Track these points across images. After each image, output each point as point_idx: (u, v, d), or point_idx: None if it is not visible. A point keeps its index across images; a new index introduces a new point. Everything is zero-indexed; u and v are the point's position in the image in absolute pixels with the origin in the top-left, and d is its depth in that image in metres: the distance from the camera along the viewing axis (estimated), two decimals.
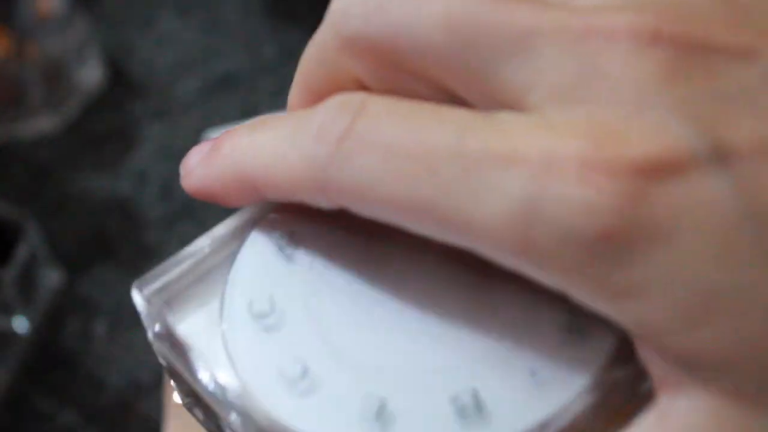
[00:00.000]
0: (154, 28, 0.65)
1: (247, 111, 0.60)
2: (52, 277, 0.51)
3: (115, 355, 0.49)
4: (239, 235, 0.25)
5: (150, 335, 0.25)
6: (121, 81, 0.62)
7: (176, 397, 0.45)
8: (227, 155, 0.24)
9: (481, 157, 0.20)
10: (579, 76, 0.20)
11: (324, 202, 0.23)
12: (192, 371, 0.24)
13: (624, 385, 0.22)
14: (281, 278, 0.24)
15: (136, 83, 0.62)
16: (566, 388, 0.22)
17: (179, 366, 0.24)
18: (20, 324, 0.49)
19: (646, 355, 0.21)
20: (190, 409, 0.26)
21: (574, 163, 0.19)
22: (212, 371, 0.23)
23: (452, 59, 0.21)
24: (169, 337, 0.24)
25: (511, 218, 0.20)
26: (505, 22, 0.21)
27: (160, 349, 0.25)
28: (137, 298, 0.24)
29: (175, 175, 0.57)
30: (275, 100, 0.60)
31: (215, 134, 0.58)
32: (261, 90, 0.61)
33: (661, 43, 0.20)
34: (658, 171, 0.19)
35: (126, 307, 0.51)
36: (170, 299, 0.24)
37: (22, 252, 0.49)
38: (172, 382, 0.26)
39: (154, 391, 0.48)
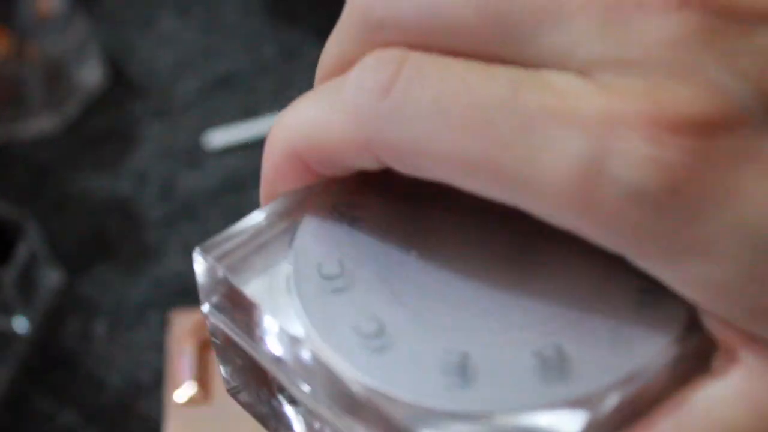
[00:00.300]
0: (154, 28, 0.65)
1: (247, 111, 0.60)
2: (52, 277, 0.51)
3: (115, 355, 0.49)
4: (297, 208, 0.24)
5: (206, 309, 0.24)
6: (121, 81, 0.62)
7: (176, 397, 0.45)
8: (274, 137, 0.24)
9: (540, 113, 0.20)
10: (617, 42, 0.20)
11: (371, 163, 0.22)
12: (257, 338, 0.23)
13: (702, 347, 0.21)
14: (347, 242, 0.23)
15: (136, 83, 0.62)
16: (646, 346, 0.21)
17: (240, 337, 0.24)
18: (20, 324, 0.49)
19: (714, 324, 0.21)
20: (235, 395, 0.25)
21: (638, 121, 0.19)
22: (282, 334, 0.22)
23: (485, 35, 0.21)
24: (231, 305, 0.23)
25: (573, 176, 0.19)
26: None
27: (217, 323, 0.24)
28: (199, 265, 0.24)
29: (175, 175, 0.57)
30: (275, 100, 0.60)
31: (215, 134, 0.58)
32: (261, 90, 0.61)
33: (690, 7, 0.20)
34: (717, 127, 0.19)
35: (126, 307, 0.51)
36: (232, 266, 0.23)
37: (22, 252, 0.49)
38: (221, 368, 0.25)
39: (154, 391, 0.48)
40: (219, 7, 0.66)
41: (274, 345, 0.23)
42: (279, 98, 0.60)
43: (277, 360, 0.23)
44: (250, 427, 0.41)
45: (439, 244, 0.23)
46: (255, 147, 0.57)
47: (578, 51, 0.20)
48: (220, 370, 0.25)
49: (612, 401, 0.20)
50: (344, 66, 0.23)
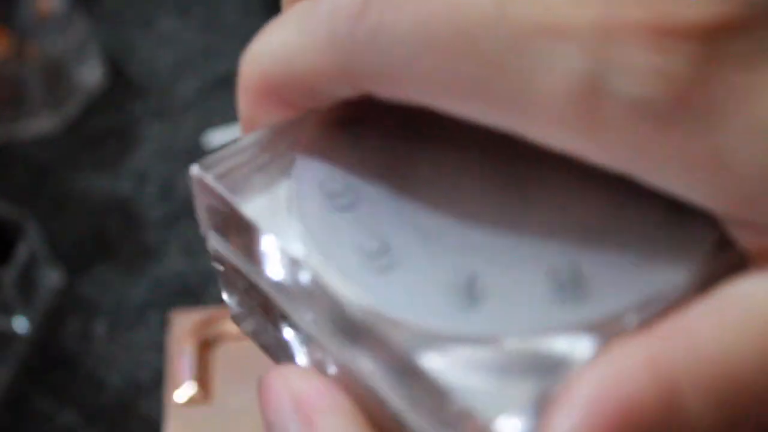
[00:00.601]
0: (154, 28, 0.65)
1: None
2: (52, 277, 0.51)
3: (115, 355, 0.49)
4: (296, 128, 0.23)
5: (205, 232, 0.23)
6: (121, 81, 0.62)
7: (176, 397, 0.45)
8: (245, 69, 0.22)
9: (529, 27, 0.18)
10: None
11: (352, 91, 0.21)
12: (257, 262, 0.22)
13: (727, 270, 0.20)
14: (350, 160, 0.22)
15: (136, 83, 0.62)
16: (670, 267, 0.20)
17: (240, 262, 0.22)
18: (20, 324, 0.49)
19: (744, 232, 0.19)
20: (239, 323, 0.24)
21: (638, 30, 0.18)
22: (282, 255, 0.21)
23: None
24: (231, 227, 0.22)
25: (572, 95, 0.18)
26: None
27: (217, 247, 0.23)
28: (198, 184, 0.22)
29: (175, 174, 0.57)
30: None
31: (215, 134, 0.58)
32: None
33: None
34: (725, 30, 0.18)
35: (126, 307, 0.51)
36: (232, 186, 0.22)
37: (22, 252, 0.49)
38: (223, 294, 0.24)
39: (154, 391, 0.48)
40: (219, 7, 0.66)
41: (274, 267, 0.22)
42: None
43: (278, 284, 0.22)
44: (250, 426, 0.41)
45: (444, 164, 0.22)
46: None
47: None
48: (224, 296, 0.24)
49: (631, 324, 0.19)
50: None
